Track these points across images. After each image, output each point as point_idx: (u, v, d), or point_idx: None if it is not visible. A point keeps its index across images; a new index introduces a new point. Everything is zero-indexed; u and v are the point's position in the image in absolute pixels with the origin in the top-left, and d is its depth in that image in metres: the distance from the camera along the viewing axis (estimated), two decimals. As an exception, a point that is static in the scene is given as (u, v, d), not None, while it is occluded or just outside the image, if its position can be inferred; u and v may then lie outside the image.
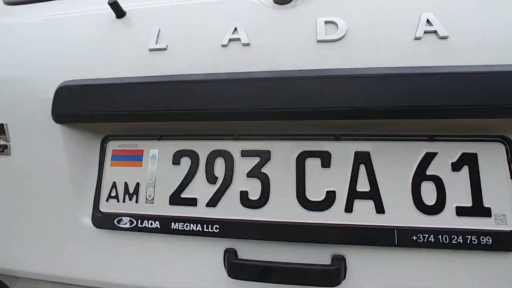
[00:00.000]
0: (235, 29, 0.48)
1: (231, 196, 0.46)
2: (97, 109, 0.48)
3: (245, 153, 0.47)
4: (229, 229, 0.45)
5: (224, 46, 0.48)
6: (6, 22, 0.61)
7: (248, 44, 0.48)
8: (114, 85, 0.49)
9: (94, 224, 0.50)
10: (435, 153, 0.43)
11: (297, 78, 0.44)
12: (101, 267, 0.50)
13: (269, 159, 0.47)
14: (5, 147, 0.53)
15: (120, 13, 0.54)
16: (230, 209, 0.46)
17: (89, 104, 0.49)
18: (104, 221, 0.49)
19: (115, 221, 0.49)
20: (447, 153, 0.43)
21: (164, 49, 0.50)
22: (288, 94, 0.43)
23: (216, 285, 0.46)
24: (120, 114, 0.48)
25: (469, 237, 0.41)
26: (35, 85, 0.53)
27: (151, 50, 0.50)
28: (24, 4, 0.65)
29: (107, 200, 0.51)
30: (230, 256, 0.45)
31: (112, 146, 0.52)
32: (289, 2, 0.49)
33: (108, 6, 0.53)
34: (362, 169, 0.44)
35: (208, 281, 0.46)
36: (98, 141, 0.53)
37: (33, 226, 0.53)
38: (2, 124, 0.53)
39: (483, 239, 0.40)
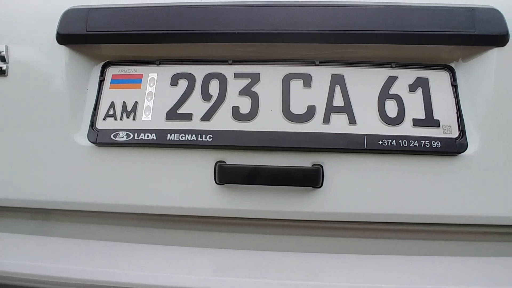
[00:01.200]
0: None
1: (224, 111, 0.52)
2: (100, 30, 0.53)
3: (237, 75, 0.54)
4: (222, 138, 0.50)
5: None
6: None
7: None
8: (116, 9, 0.53)
9: (89, 140, 0.52)
10: (396, 77, 0.52)
11: (281, 5, 0.52)
12: (98, 184, 0.52)
13: (259, 80, 0.53)
14: (4, 68, 0.55)
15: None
16: (223, 122, 0.51)
17: (93, 26, 0.53)
18: (100, 136, 0.52)
19: (112, 135, 0.52)
20: (405, 77, 0.52)
21: None
22: (273, 19, 0.51)
23: (205, 194, 0.50)
24: (121, 34, 0.52)
25: (423, 142, 0.49)
26: (39, 8, 0.56)
27: None
28: None
29: (104, 119, 0.54)
30: (219, 166, 0.50)
31: (112, 71, 0.56)
32: None
33: None
34: (338, 88, 0.52)
35: (198, 190, 0.50)
36: (98, 67, 0.56)
37: (30, 151, 0.54)
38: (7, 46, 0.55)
39: (434, 143, 0.49)
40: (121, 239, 0.55)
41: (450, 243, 0.53)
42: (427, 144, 0.49)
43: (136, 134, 0.52)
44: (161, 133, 0.51)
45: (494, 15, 0.50)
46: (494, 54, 0.51)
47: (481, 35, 0.50)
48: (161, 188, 0.52)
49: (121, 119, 0.53)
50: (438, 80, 0.52)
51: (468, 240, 0.53)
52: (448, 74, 0.53)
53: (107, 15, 0.53)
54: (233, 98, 0.52)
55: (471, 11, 0.50)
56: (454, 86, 0.52)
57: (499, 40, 0.50)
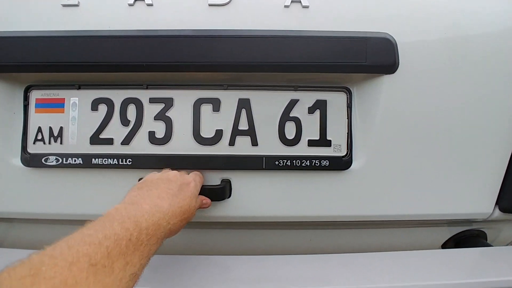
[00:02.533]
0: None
1: (142, 136, 0.58)
2: (16, 60, 0.55)
3: (152, 100, 0.58)
4: (140, 162, 0.57)
5: (130, 5, 0.55)
6: None
7: (151, 5, 0.55)
8: (33, 38, 0.54)
9: (23, 163, 0.58)
10: (297, 100, 0.58)
11: (190, 36, 0.54)
12: (31, 199, 0.60)
13: (172, 105, 0.58)
14: None
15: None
16: (141, 146, 0.58)
17: (8, 55, 0.55)
18: (32, 160, 0.58)
19: (43, 159, 0.58)
20: (306, 100, 0.58)
21: (76, 5, 0.56)
22: (184, 51, 0.54)
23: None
24: (38, 65, 0.55)
25: (314, 161, 0.57)
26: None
27: (64, 5, 0.56)
28: None
29: (34, 143, 0.59)
30: (143, 183, 0.57)
31: (35, 95, 0.59)
32: None
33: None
34: (243, 112, 0.57)
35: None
36: (21, 91, 0.59)
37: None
38: None
39: (323, 162, 0.57)
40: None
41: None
42: (317, 163, 0.57)
43: (64, 158, 0.58)
44: (87, 157, 0.57)
45: (386, 44, 0.54)
46: (384, 80, 0.56)
47: (371, 65, 0.54)
48: (87, 201, 0.60)
49: (49, 143, 0.58)
50: (336, 102, 0.58)
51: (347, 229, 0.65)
52: (345, 95, 0.58)
53: (17, 44, 0.54)
54: (149, 122, 0.58)
55: (364, 41, 0.53)
56: (349, 107, 0.58)
57: (387, 69, 0.55)
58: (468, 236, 0.70)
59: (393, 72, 0.55)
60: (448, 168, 0.59)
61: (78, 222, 0.53)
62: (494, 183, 0.61)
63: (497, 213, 0.63)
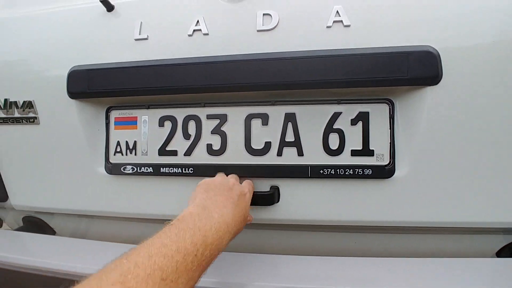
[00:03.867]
0: (198, 21, 0.64)
1: (201, 148, 0.66)
2: (99, 88, 0.66)
3: (209, 117, 0.66)
4: (200, 171, 0.66)
5: (190, 36, 0.64)
6: (16, 14, 0.76)
7: (207, 34, 0.63)
8: (111, 69, 0.66)
9: (106, 171, 0.71)
10: (340, 112, 0.62)
11: (242, 61, 0.61)
12: (112, 202, 0.72)
13: (226, 120, 0.65)
14: (35, 118, 0.72)
15: (109, 7, 0.69)
16: (200, 156, 0.66)
17: (93, 84, 0.67)
18: (113, 169, 0.70)
19: (121, 168, 0.70)
20: (348, 112, 0.61)
21: (146, 39, 0.66)
22: (237, 73, 0.61)
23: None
24: (116, 90, 0.66)
25: (357, 170, 0.60)
26: (52, 69, 0.70)
27: (136, 39, 0.66)
28: None
29: (114, 154, 0.71)
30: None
31: (114, 114, 0.71)
32: None
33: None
34: (290, 125, 0.63)
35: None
36: (103, 111, 0.71)
37: (62, 176, 0.74)
38: (31, 101, 0.72)
39: (366, 171, 0.60)
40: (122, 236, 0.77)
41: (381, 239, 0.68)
42: (360, 172, 0.61)
43: (138, 167, 0.69)
44: (156, 166, 0.68)
45: (428, 57, 0.55)
46: (427, 91, 0.57)
47: (413, 78, 0.56)
48: (156, 203, 0.70)
49: (126, 154, 0.70)
50: (378, 113, 0.61)
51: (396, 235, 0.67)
52: (388, 106, 0.61)
53: (102, 75, 0.66)
54: (207, 136, 0.66)
55: (405, 55, 0.56)
56: (392, 117, 0.61)
57: (430, 81, 0.56)
58: None
59: (436, 84, 0.56)
60: (498, 175, 0.58)
61: (149, 220, 0.63)
62: None
63: None
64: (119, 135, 0.70)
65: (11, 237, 0.81)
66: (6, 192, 0.81)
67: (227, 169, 0.65)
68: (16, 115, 0.73)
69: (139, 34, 0.66)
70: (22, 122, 0.73)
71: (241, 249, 0.68)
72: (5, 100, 0.73)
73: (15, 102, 0.73)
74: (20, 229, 0.88)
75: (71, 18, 0.71)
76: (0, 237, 0.80)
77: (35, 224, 0.89)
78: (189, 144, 0.67)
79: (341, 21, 0.59)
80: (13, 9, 0.77)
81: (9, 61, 0.73)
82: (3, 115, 0.74)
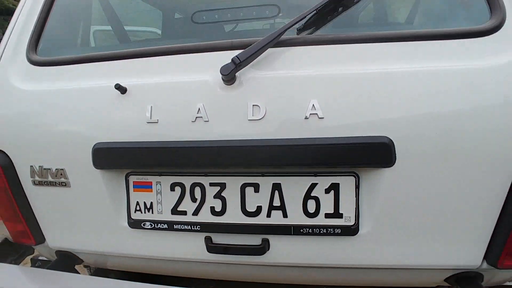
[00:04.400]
0: (199, 109, 0.77)
1: (205, 209, 0.82)
2: (118, 161, 0.81)
3: (212, 184, 0.81)
4: (205, 228, 0.82)
5: (193, 122, 0.78)
6: (41, 87, 0.89)
7: (207, 121, 0.77)
8: (128, 148, 0.80)
9: (129, 226, 0.87)
10: (317, 183, 0.77)
11: (238, 146, 0.75)
12: (133, 248, 0.89)
13: (225, 187, 0.81)
14: (67, 183, 0.87)
15: (123, 90, 0.82)
16: (205, 216, 0.82)
17: (113, 158, 0.81)
18: (135, 224, 0.86)
19: (141, 224, 0.86)
20: (323, 183, 0.77)
21: (156, 122, 0.79)
22: (232, 154, 0.75)
23: (200, 256, 0.84)
24: (133, 163, 0.81)
25: (329, 229, 0.77)
26: (80, 144, 0.84)
27: (148, 122, 0.80)
28: (49, 66, 0.91)
29: (134, 212, 0.86)
30: (207, 241, 0.83)
31: (133, 179, 0.86)
32: (232, 82, 0.76)
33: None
34: (276, 193, 0.79)
35: (196, 253, 0.85)
36: (123, 177, 0.86)
37: (91, 226, 0.91)
38: (63, 169, 0.86)
39: (335, 230, 0.77)
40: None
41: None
42: (332, 231, 0.77)
43: (155, 224, 0.85)
44: (170, 223, 0.84)
45: (385, 145, 0.70)
46: (384, 171, 0.72)
47: (372, 162, 0.71)
48: (171, 251, 0.87)
49: (145, 212, 0.86)
50: (347, 184, 0.76)
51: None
52: (354, 179, 0.76)
53: (120, 152, 0.80)
54: (210, 200, 0.82)
55: (368, 144, 0.70)
56: (357, 188, 0.76)
57: (386, 164, 0.71)
58: (466, 277, 0.85)
59: (391, 166, 0.71)
60: (435, 231, 0.75)
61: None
62: (482, 241, 0.76)
63: (485, 265, 0.78)
64: (137, 196, 0.86)
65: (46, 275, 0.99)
66: (44, 236, 0.97)
67: (227, 227, 0.81)
68: (50, 179, 0.88)
69: (151, 118, 0.79)
70: (55, 185, 0.88)
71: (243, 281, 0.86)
72: (40, 167, 0.88)
73: (49, 169, 0.87)
74: (54, 261, 1.05)
75: (96, 96, 0.84)
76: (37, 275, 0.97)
77: (66, 255, 1.06)
78: (196, 206, 0.82)
79: (316, 114, 0.72)
80: (46, 84, 0.89)
81: (44, 133, 0.87)
82: (39, 179, 0.89)
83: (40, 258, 1.20)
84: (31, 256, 1.22)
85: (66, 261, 1.05)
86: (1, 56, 0.94)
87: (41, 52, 0.94)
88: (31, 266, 1.19)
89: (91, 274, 1.28)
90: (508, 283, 0.99)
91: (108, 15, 1.24)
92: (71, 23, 1.08)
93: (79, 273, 1.11)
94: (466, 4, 0.82)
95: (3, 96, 0.90)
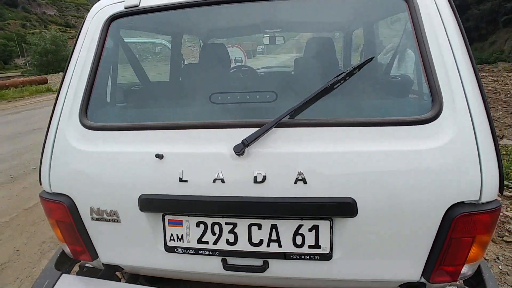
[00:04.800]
0: (218, 174, 1.06)
1: (222, 240, 1.13)
2: (158, 207, 1.11)
3: (227, 223, 1.12)
4: (222, 253, 1.14)
5: (213, 183, 1.07)
6: (95, 149, 1.16)
7: (224, 182, 1.06)
8: (165, 199, 1.10)
9: (165, 250, 1.18)
10: (302, 224, 1.08)
11: (246, 202, 1.05)
12: (169, 265, 1.21)
13: (237, 226, 1.12)
14: (118, 220, 1.17)
15: (161, 157, 1.10)
16: (222, 246, 1.14)
17: (155, 205, 1.11)
18: (169, 249, 1.18)
19: (175, 249, 1.17)
20: (307, 224, 1.08)
21: (186, 181, 1.08)
22: (243, 207, 1.05)
23: (218, 272, 1.17)
24: (169, 209, 1.11)
25: (311, 255, 1.09)
26: (129, 193, 1.13)
27: (180, 181, 1.09)
28: (99, 130, 1.18)
29: (169, 240, 1.18)
30: (224, 262, 1.15)
31: (167, 218, 1.16)
32: (242, 155, 1.05)
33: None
34: (274, 230, 1.10)
35: (215, 270, 1.17)
36: (161, 216, 1.17)
37: (135, 249, 1.22)
38: (116, 211, 1.16)
39: (315, 257, 1.09)
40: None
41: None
42: (313, 257, 1.09)
43: (185, 250, 1.16)
44: (196, 250, 1.15)
45: (349, 204, 1.00)
46: (350, 219, 1.04)
47: (340, 214, 1.02)
48: (197, 268, 1.19)
49: (177, 241, 1.17)
50: (324, 225, 1.08)
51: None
52: (329, 222, 1.07)
53: (159, 201, 1.10)
54: (226, 234, 1.13)
55: (336, 202, 1.01)
56: (331, 228, 1.08)
57: (350, 215, 1.02)
58: (412, 286, 1.19)
59: (354, 216, 1.02)
60: (390, 255, 1.08)
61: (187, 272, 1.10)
62: (420, 264, 1.09)
63: (423, 279, 1.12)
64: (171, 229, 1.17)
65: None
66: (98, 254, 1.29)
67: (239, 254, 1.13)
68: (105, 217, 1.18)
69: (182, 178, 1.08)
70: (109, 221, 1.18)
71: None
72: (97, 208, 1.18)
73: (105, 210, 1.17)
74: (103, 270, 1.38)
75: (140, 159, 1.12)
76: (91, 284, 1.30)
77: (111, 266, 1.39)
78: (215, 238, 1.14)
79: (303, 179, 1.02)
80: (99, 146, 1.16)
81: (100, 184, 1.16)
82: (96, 216, 1.19)
83: (86, 265, 1.52)
84: (78, 263, 1.55)
85: (111, 270, 1.39)
86: (59, 119, 1.21)
87: (91, 116, 1.20)
88: (78, 271, 1.51)
89: (125, 278, 1.63)
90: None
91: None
92: (111, 88, 1.33)
93: (119, 278, 1.45)
94: (415, 97, 1.09)
95: (65, 154, 1.18)
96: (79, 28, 1.34)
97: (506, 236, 2.74)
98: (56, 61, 39.15)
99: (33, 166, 4.93)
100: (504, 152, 4.48)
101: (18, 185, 4.24)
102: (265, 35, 2.61)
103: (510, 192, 3.57)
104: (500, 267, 2.38)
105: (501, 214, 3.07)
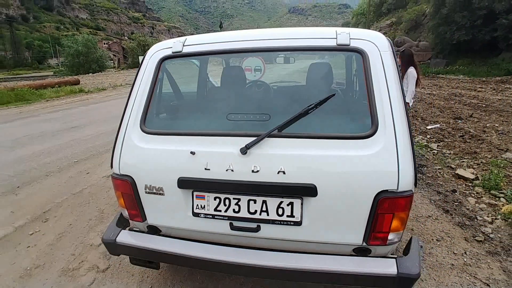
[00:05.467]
0: (229, 165, 1.64)
1: (230, 209, 1.71)
2: (190, 186, 1.71)
3: (234, 198, 1.69)
4: (230, 218, 1.72)
5: (226, 171, 1.65)
6: (149, 146, 1.78)
7: (233, 171, 1.64)
8: (195, 180, 1.69)
9: (192, 215, 1.77)
10: (282, 201, 1.64)
11: (247, 183, 1.63)
12: (194, 225, 1.80)
13: (240, 200, 1.69)
14: (162, 193, 1.78)
15: (193, 153, 1.70)
16: (230, 213, 1.72)
17: (188, 184, 1.71)
18: (195, 214, 1.76)
19: (199, 215, 1.76)
20: (286, 201, 1.64)
21: (209, 170, 1.67)
22: (244, 187, 1.63)
23: (227, 231, 1.74)
24: (196, 187, 1.70)
25: (288, 222, 1.65)
26: (171, 176, 1.74)
27: (205, 169, 1.68)
28: (152, 135, 1.79)
29: (195, 209, 1.77)
30: (231, 224, 1.72)
31: (195, 193, 1.76)
32: (245, 154, 1.63)
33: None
34: (264, 204, 1.67)
35: (225, 230, 1.75)
36: (191, 192, 1.76)
37: (171, 215, 1.82)
38: (162, 187, 1.77)
39: (291, 222, 1.65)
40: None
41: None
42: (289, 223, 1.65)
43: (206, 215, 1.75)
44: (213, 215, 1.74)
45: (311, 188, 1.56)
46: (314, 198, 1.59)
47: (306, 195, 1.58)
48: (213, 228, 1.78)
49: (201, 209, 1.75)
50: (297, 202, 1.63)
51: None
52: (300, 200, 1.63)
53: (192, 182, 1.70)
54: (233, 205, 1.71)
55: (302, 187, 1.56)
56: (301, 204, 1.63)
57: (313, 195, 1.57)
58: (362, 249, 1.71)
59: (316, 196, 1.58)
60: (340, 224, 1.61)
61: (205, 232, 1.74)
62: (361, 231, 1.62)
63: (364, 244, 1.64)
64: (197, 201, 1.76)
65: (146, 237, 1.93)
66: (146, 217, 1.90)
67: (240, 219, 1.70)
68: (154, 191, 1.79)
69: (207, 167, 1.67)
70: (157, 194, 1.79)
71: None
72: (150, 185, 1.79)
73: (155, 186, 1.78)
74: (147, 231, 1.99)
75: (178, 154, 1.73)
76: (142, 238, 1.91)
77: (153, 228, 2.00)
78: (226, 208, 1.71)
79: (282, 171, 1.58)
80: (152, 145, 1.79)
81: (152, 169, 1.77)
82: (148, 191, 1.80)
83: (134, 229, 2.14)
84: (128, 228, 2.18)
85: (151, 231, 2.00)
86: (127, 126, 1.84)
87: (147, 125, 1.83)
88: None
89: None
90: (390, 255, 1.86)
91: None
92: (158, 104, 1.96)
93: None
94: (360, 119, 1.64)
95: (130, 149, 1.81)
96: (140, 62, 1.98)
97: (479, 236, 3.15)
98: (87, 63, 41.59)
99: (75, 159, 5.74)
100: (499, 165, 4.81)
101: (64, 174, 5.04)
102: (279, 55, 3.18)
103: (495, 201, 3.95)
104: (465, 259, 2.81)
105: (479, 218, 3.49)
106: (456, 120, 8.19)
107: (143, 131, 1.81)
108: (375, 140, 1.53)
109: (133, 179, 1.81)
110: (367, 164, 1.52)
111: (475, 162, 5.18)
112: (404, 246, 1.84)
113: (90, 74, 37.99)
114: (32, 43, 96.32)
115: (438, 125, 7.72)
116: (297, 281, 1.63)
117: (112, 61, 61.24)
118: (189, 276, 2.60)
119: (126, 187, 1.82)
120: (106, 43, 79.65)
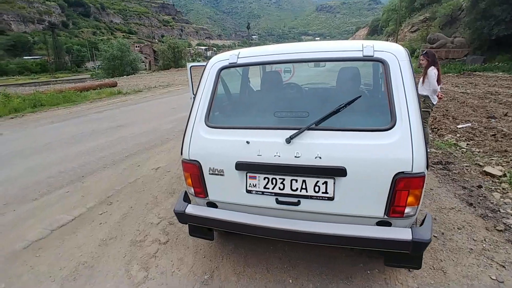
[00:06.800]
0: (277, 152, 2.10)
1: (277, 187, 2.16)
2: (245, 168, 2.19)
3: (279, 178, 2.15)
4: (276, 194, 2.17)
5: (274, 156, 2.10)
6: (213, 137, 2.28)
7: (280, 156, 2.09)
8: (250, 164, 2.17)
9: (246, 192, 2.24)
10: (319, 180, 2.08)
11: (290, 165, 2.08)
12: (247, 201, 2.28)
13: (284, 180, 2.15)
14: (223, 174, 2.28)
15: (248, 143, 2.18)
16: (276, 190, 2.17)
17: (243, 167, 2.20)
18: (248, 192, 2.23)
19: (251, 192, 2.23)
20: (321, 180, 2.07)
21: (261, 155, 2.14)
22: (288, 169, 2.09)
23: (273, 205, 2.19)
24: (250, 169, 2.19)
25: (323, 197, 2.08)
26: (230, 160, 2.23)
27: (258, 155, 2.15)
28: (214, 128, 2.30)
29: (248, 187, 2.24)
30: (276, 199, 2.18)
31: (249, 174, 2.24)
32: (289, 143, 2.08)
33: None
34: (304, 183, 2.11)
35: (271, 204, 2.20)
36: (245, 173, 2.24)
37: (230, 192, 2.31)
38: (222, 169, 2.26)
39: (325, 198, 2.08)
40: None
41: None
42: (324, 198, 2.08)
43: (256, 192, 2.22)
44: (262, 192, 2.21)
45: (341, 169, 1.98)
46: (344, 178, 2.01)
47: (337, 175, 2.00)
48: (262, 203, 2.25)
49: (252, 187, 2.23)
50: (330, 181, 2.05)
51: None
52: (333, 180, 2.05)
53: (247, 165, 2.18)
54: (278, 184, 2.16)
55: (334, 168, 1.99)
56: (334, 184, 2.05)
57: (343, 175, 1.99)
58: (384, 222, 2.10)
59: (346, 176, 2.00)
60: (366, 200, 2.02)
61: (255, 207, 2.23)
62: (382, 206, 2.01)
63: (386, 216, 2.04)
64: (250, 181, 2.23)
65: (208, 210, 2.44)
66: (208, 194, 2.42)
67: (284, 195, 2.16)
68: (216, 173, 2.29)
69: (259, 153, 2.14)
70: (218, 175, 2.29)
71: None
72: (213, 167, 2.29)
73: (217, 169, 2.28)
74: (207, 206, 2.50)
75: (236, 144, 2.22)
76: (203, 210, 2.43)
77: (212, 203, 2.50)
78: (273, 186, 2.17)
79: (319, 157, 2.02)
80: (215, 136, 2.30)
81: (215, 155, 2.27)
82: (211, 172, 2.30)
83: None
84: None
85: (212, 206, 2.51)
86: (194, 121, 2.37)
87: (211, 120, 2.34)
88: (191, 208, 2.66)
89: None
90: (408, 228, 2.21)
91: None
92: (219, 103, 2.47)
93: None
94: (381, 115, 2.03)
95: (197, 139, 2.33)
96: (202, 71, 2.50)
97: (500, 226, 3.37)
98: (121, 65, 44.21)
99: (126, 154, 6.49)
100: (527, 162, 4.86)
101: (119, 167, 5.78)
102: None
103: (520, 195, 4.08)
104: (484, 245, 3.07)
105: (503, 211, 3.69)
106: (489, 119, 8.09)
107: (207, 125, 2.32)
108: (393, 132, 1.92)
109: (199, 163, 2.33)
110: (387, 151, 1.92)
111: (505, 160, 5.24)
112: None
113: (124, 76, 40.35)
114: (71, 48, 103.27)
115: (470, 124, 7.70)
116: (330, 244, 2.06)
117: (143, 63, 64.33)
118: (235, 249, 3.11)
119: (194, 169, 2.35)
120: (138, 46, 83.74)
